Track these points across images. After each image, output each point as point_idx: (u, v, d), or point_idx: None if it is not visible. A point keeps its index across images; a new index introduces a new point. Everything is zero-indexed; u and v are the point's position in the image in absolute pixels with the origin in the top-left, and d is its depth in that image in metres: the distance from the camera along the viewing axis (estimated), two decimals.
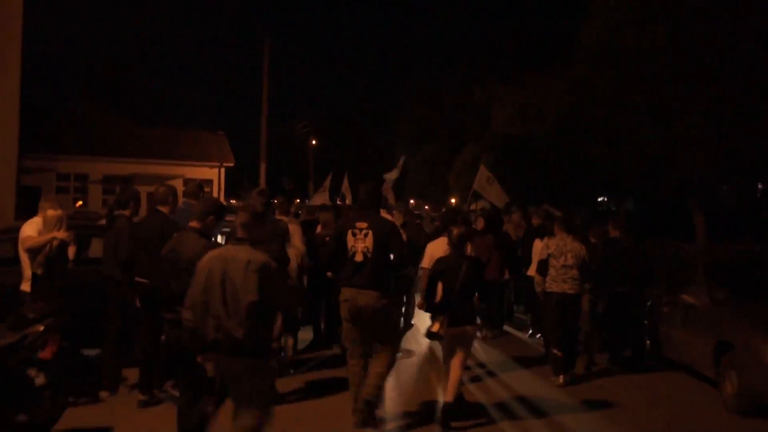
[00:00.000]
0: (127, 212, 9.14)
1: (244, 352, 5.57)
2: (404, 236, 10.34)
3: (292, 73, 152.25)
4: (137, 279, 8.53)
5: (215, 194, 43.31)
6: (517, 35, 47.19)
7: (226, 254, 5.76)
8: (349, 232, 7.83)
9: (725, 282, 10.81)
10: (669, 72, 21.85)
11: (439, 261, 8.71)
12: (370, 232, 7.73)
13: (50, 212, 8.92)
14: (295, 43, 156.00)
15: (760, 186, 32.97)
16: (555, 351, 10.50)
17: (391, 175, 23.75)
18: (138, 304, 8.66)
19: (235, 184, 56.35)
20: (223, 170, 45.28)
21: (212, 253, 5.90)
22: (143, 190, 38.00)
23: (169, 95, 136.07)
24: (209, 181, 43.42)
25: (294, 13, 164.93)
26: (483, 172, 21.38)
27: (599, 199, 45.26)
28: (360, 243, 7.73)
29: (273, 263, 5.80)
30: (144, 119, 51.94)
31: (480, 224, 13.89)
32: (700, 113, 21.73)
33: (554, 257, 10.46)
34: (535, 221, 14.47)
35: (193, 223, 6.91)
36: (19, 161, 34.95)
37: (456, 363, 8.30)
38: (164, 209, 8.70)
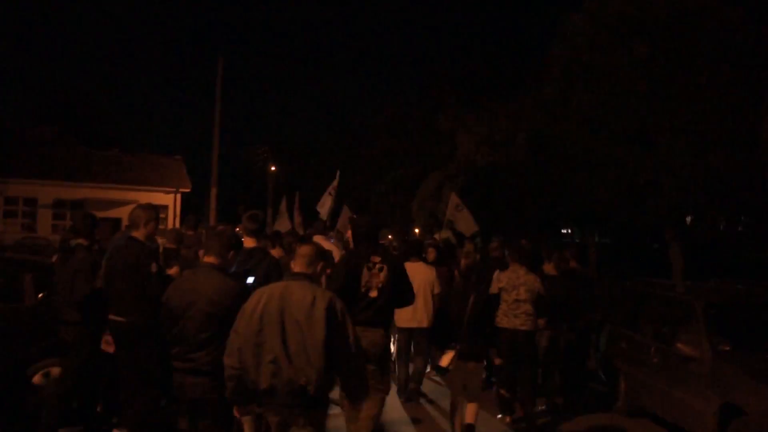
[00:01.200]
0: (84, 241, 8.22)
1: (306, 401, 5.02)
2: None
3: (251, 99, 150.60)
4: (112, 317, 7.40)
5: (170, 221, 41.63)
6: (484, 61, 46.23)
7: (284, 291, 5.20)
8: (365, 267, 7.25)
9: (728, 330, 9.33)
10: (648, 90, 19.86)
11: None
12: (385, 266, 7.25)
13: None
14: (255, 67, 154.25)
15: (742, 218, 31.03)
16: (502, 391, 10.13)
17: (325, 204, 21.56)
18: (112, 349, 7.53)
19: (191, 209, 54.11)
20: (179, 196, 43.27)
21: (265, 291, 5.28)
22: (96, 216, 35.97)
23: (126, 119, 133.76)
24: (165, 207, 41.80)
25: (254, 36, 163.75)
26: (453, 200, 20.60)
27: (563, 231, 43.95)
28: (375, 278, 7.22)
29: (340, 301, 5.23)
30: (98, 143, 49.67)
31: (430, 255, 12.68)
32: (681, 135, 19.75)
33: (506, 291, 9.91)
34: (495, 253, 13.21)
35: (210, 259, 6.07)
36: None
37: (471, 408, 8.26)
38: (138, 234, 7.57)
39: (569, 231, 49.54)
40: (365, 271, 7.25)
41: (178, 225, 42.11)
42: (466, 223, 20.09)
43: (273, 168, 57.46)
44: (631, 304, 12.08)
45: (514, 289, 9.86)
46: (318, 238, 11.62)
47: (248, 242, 7.74)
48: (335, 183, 21.41)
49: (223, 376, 5.27)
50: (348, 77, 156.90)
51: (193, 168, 44.87)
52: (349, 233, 8.40)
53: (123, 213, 41.27)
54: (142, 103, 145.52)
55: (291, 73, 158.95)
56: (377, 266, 7.26)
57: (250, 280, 7.34)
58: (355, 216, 15.20)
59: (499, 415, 10.17)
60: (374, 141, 54.77)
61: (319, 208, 21.10)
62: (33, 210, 40.52)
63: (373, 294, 7.18)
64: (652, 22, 20.26)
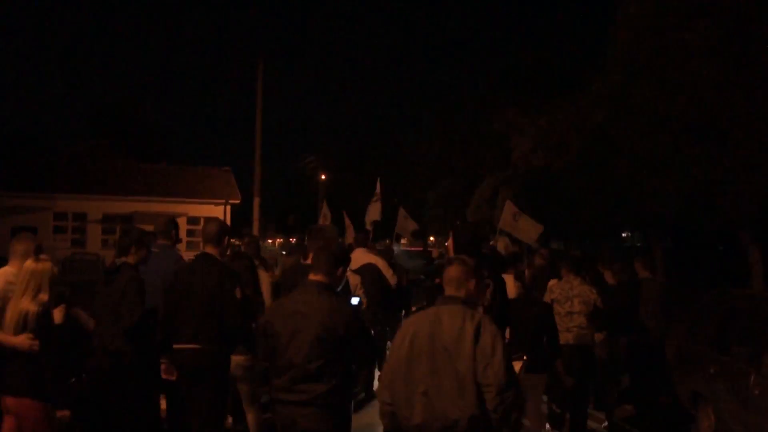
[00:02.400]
0: (130, 258, 7.16)
1: None
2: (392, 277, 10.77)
3: (302, 108, 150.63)
4: (182, 345, 6.58)
5: None
6: (537, 61, 43.44)
7: (435, 317, 4.73)
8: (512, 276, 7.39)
9: None
10: (721, 76, 17.35)
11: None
12: (491, 282, 6.50)
13: (29, 264, 6.04)
14: (306, 76, 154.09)
15: None
16: (552, 405, 9.58)
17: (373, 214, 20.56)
18: (174, 377, 6.76)
19: (242, 220, 53.23)
20: (228, 207, 42.24)
21: (417, 317, 4.92)
22: (145, 229, 35.17)
23: (177, 133, 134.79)
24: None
25: (305, 46, 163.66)
26: (509, 208, 18.58)
27: (623, 235, 42.06)
28: (481, 297, 6.15)
29: (493, 325, 4.66)
30: (147, 157, 49.05)
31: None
32: (758, 127, 17.21)
33: (558, 302, 9.26)
34: (538, 261, 12.06)
35: (318, 277, 5.50)
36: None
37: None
38: (214, 252, 6.84)
39: (629, 234, 47.73)
40: (511, 281, 6.97)
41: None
42: (527, 231, 18.52)
43: (323, 177, 55.68)
44: (716, 319, 10.03)
45: (568, 300, 9.24)
46: (359, 251, 10.82)
47: (310, 258, 7.03)
48: (377, 190, 20.23)
49: (341, 409, 5.26)
50: (397, 81, 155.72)
51: (244, 179, 43.73)
52: (449, 242, 7.25)
53: None
54: (191, 116, 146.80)
55: (339, 80, 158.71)
56: (485, 281, 6.25)
57: (355, 301, 7.07)
58: (458, 224, 13.99)
59: (547, 426, 9.30)
60: (426, 146, 53.46)
61: (368, 221, 19.96)
62: (82, 225, 40.15)
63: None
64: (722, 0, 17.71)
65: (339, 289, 5.93)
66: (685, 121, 18.49)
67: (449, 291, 4.96)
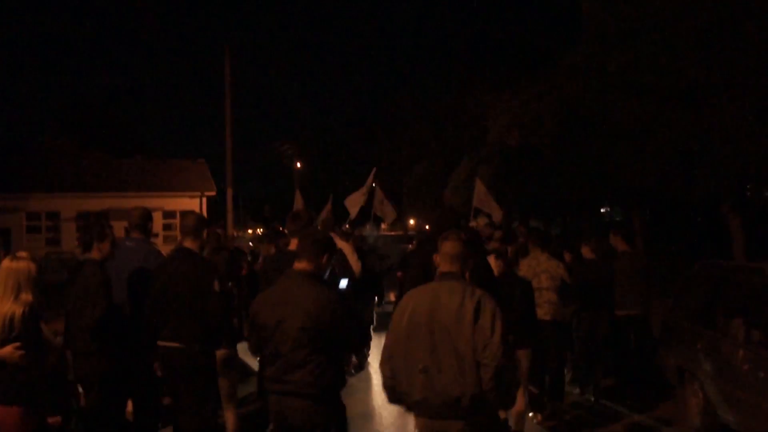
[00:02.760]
0: (95, 254, 6.94)
1: (463, 411, 4.55)
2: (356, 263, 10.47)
3: (272, 93, 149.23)
4: (165, 343, 6.51)
5: None
6: (507, 38, 43.40)
7: (433, 294, 4.79)
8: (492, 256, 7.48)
9: None
10: (696, 41, 16.78)
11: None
12: None
13: (5, 263, 5.72)
14: (281, 62, 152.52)
15: None
16: (530, 387, 9.09)
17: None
18: (159, 373, 6.80)
19: (218, 212, 52.52)
20: (204, 199, 41.81)
21: (414, 294, 4.93)
22: (120, 226, 34.62)
23: (151, 126, 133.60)
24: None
25: (277, 32, 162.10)
26: (479, 187, 19.29)
27: (602, 210, 41.71)
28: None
29: (492, 300, 4.69)
30: (120, 152, 47.99)
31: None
32: (737, 93, 16.68)
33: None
34: (519, 239, 11.88)
35: (302, 264, 5.35)
36: None
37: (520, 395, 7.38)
38: (193, 246, 6.84)
39: (608, 209, 47.49)
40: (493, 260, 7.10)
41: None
42: (496, 208, 19.00)
43: (299, 165, 54.85)
44: (702, 292, 9.51)
45: (535, 276, 9.22)
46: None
47: (292, 244, 6.94)
48: (370, 181, 19.92)
49: (332, 398, 5.21)
50: (372, 64, 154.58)
51: (219, 170, 43.26)
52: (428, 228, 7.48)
53: None
54: (163, 109, 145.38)
55: (311, 65, 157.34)
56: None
57: (344, 283, 6.98)
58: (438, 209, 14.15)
59: (530, 413, 9.16)
60: (402, 130, 52.78)
61: (348, 206, 19.68)
62: (56, 224, 39.58)
63: None
64: None
65: (326, 277, 5.83)
66: (662, 90, 17.89)
67: (445, 267, 4.95)
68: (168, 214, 40.37)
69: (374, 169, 20.59)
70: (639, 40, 17.94)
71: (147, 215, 7.81)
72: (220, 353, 7.14)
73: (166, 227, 40.34)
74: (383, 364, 4.88)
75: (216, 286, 6.53)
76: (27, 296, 5.49)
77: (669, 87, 17.73)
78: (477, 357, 4.51)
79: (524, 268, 9.42)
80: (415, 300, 4.87)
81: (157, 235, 39.93)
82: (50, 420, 6.34)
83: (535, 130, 27.96)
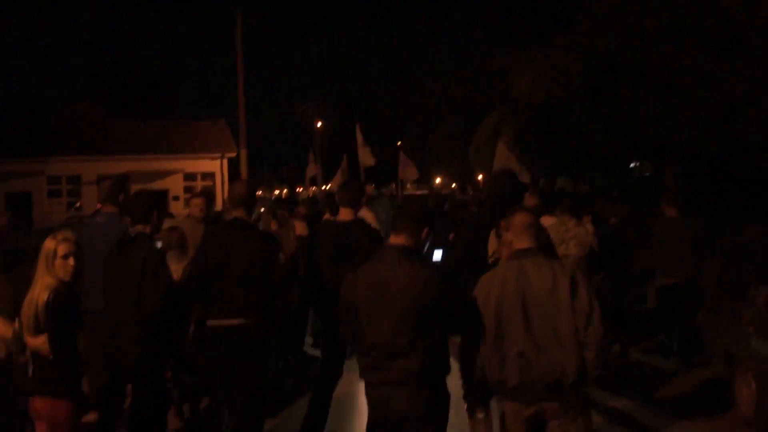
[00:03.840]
0: (145, 227, 6.07)
1: (565, 393, 4.44)
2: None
3: (294, 51, 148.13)
4: (217, 322, 5.79)
5: (218, 188, 38.85)
6: None
7: (519, 273, 4.54)
8: (493, 232, 6.18)
9: None
10: None
11: None
12: None
13: (47, 243, 5.10)
14: (305, 17, 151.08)
15: None
16: None
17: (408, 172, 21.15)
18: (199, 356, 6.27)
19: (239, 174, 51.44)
20: (225, 161, 40.63)
21: (496, 274, 4.70)
22: (140, 189, 34.00)
23: (175, 87, 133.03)
24: (211, 174, 40.25)
25: None
26: (502, 150, 17.76)
27: (631, 165, 40.69)
28: (505, 248, 5.55)
29: (581, 274, 4.66)
30: (145, 115, 47.10)
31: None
32: None
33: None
34: (533, 202, 10.03)
35: (399, 239, 4.78)
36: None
37: None
38: (244, 216, 6.11)
39: (637, 164, 46.10)
40: (493, 237, 6.28)
41: (226, 192, 39.94)
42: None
43: (319, 124, 53.30)
44: (756, 265, 8.01)
45: (563, 243, 8.38)
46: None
47: (345, 214, 6.75)
48: (358, 137, 19.61)
49: (437, 386, 4.69)
50: (401, 20, 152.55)
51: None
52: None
53: (169, 184, 39.38)
54: (188, 70, 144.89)
55: (335, 25, 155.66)
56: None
57: (437, 256, 6.80)
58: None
59: None
60: (427, 86, 51.12)
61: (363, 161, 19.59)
62: (77, 188, 39.13)
63: None
64: None
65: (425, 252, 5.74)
66: (701, 35, 16.21)
67: (522, 243, 4.69)
68: (188, 176, 39.60)
69: (357, 125, 20.24)
70: None
71: (118, 185, 7.08)
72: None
73: (187, 189, 39.57)
74: (472, 355, 4.75)
75: (282, 257, 6.19)
76: (49, 280, 4.93)
77: (708, 31, 16.08)
78: (578, 336, 4.36)
79: (552, 234, 8.36)
80: (500, 281, 4.60)
81: (178, 198, 39.18)
82: (85, 418, 5.60)
83: (561, 84, 26.67)
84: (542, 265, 4.55)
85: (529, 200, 10.75)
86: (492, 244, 6.50)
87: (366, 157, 19.83)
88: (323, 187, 35.74)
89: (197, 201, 8.75)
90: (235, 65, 27.05)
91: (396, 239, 4.86)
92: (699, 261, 9.60)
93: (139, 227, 6.10)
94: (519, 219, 4.77)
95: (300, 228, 9.66)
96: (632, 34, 18.17)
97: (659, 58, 17.17)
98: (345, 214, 6.74)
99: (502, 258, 6.34)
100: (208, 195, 9.91)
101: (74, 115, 40.99)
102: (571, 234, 8.62)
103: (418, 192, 46.40)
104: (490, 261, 6.14)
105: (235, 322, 5.80)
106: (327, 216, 10.16)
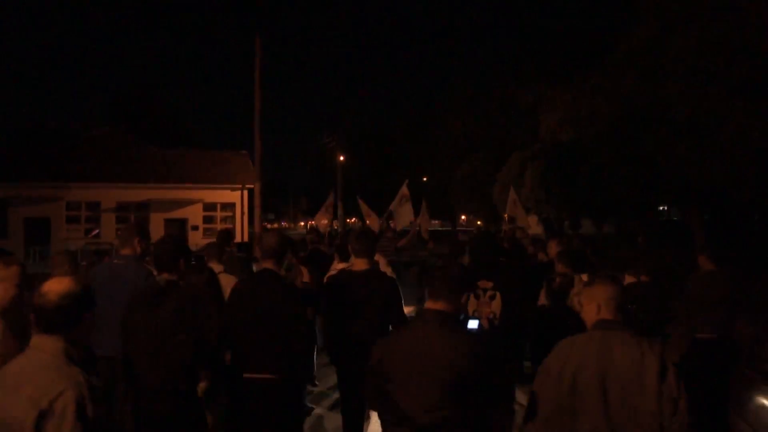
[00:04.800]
0: (173, 275, 5.51)
1: None
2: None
3: (319, 85, 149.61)
4: (249, 375, 5.54)
5: (238, 219, 38.26)
6: (564, 31, 40.95)
7: (601, 347, 4.13)
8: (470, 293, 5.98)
9: None
10: None
11: None
12: (498, 294, 6.32)
13: None
14: (329, 52, 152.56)
15: None
16: None
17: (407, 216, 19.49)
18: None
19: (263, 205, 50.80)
20: (246, 192, 39.68)
21: (574, 344, 4.22)
22: (159, 218, 33.20)
23: (198, 118, 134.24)
24: (232, 205, 39.41)
25: (320, 21, 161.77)
26: (512, 195, 18.49)
27: (660, 208, 39.68)
28: (484, 307, 6.20)
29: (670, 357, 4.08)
30: (168, 142, 46.37)
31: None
32: None
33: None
34: (553, 250, 9.92)
35: (438, 305, 4.34)
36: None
37: None
38: (276, 267, 5.88)
39: (665, 208, 45.12)
40: (471, 298, 6.07)
41: (246, 223, 39.31)
42: (525, 218, 18.17)
43: (342, 158, 52.50)
44: None
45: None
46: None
47: (360, 264, 6.47)
48: (405, 192, 18.82)
49: None
50: (424, 56, 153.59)
51: (266, 162, 41.57)
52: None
53: (188, 213, 38.81)
54: (211, 101, 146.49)
55: (363, 57, 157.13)
56: (488, 293, 6.34)
57: (473, 324, 5.87)
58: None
59: None
60: (452, 122, 50.52)
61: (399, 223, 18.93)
62: (96, 214, 38.22)
63: (484, 325, 6.35)
64: None
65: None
66: (731, 76, 15.09)
67: (607, 314, 4.33)
68: (208, 206, 39.07)
69: (406, 181, 19.36)
70: (705, 18, 15.15)
71: (137, 229, 6.56)
72: (202, 385, 5.90)
73: (207, 219, 39.05)
74: (538, 427, 4.27)
75: (309, 312, 6.04)
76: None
77: (739, 72, 14.95)
78: (662, 421, 3.99)
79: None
80: (579, 351, 4.23)
81: (197, 228, 38.58)
82: None
83: (588, 126, 25.79)
84: (629, 342, 4.15)
85: (552, 248, 10.10)
86: (471, 304, 6.26)
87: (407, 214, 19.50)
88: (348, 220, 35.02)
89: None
90: (253, 99, 26.42)
91: (434, 305, 4.39)
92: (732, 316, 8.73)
93: (166, 275, 5.68)
94: (605, 289, 4.38)
95: (305, 274, 8.97)
96: (659, 76, 17.08)
97: (685, 99, 16.05)
98: (360, 264, 6.47)
99: (483, 318, 6.20)
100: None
101: (96, 141, 40.39)
102: (576, 290, 7.86)
103: (441, 228, 45.78)
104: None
105: (265, 376, 5.59)
106: (336, 263, 9.68)
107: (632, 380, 4.06)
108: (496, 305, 6.24)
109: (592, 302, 4.41)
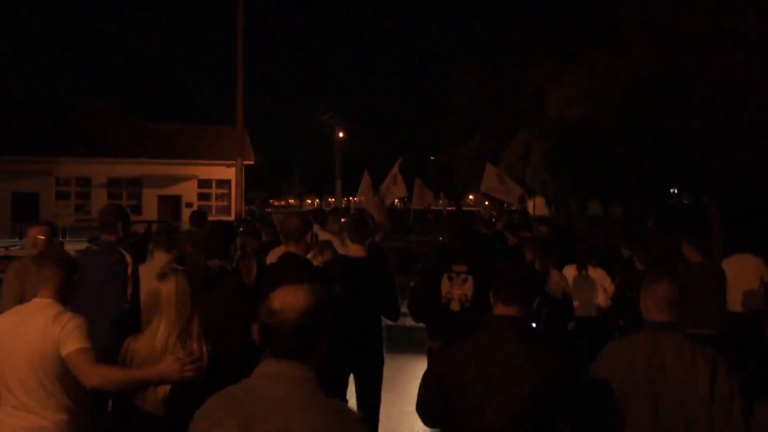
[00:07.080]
0: (225, 262, 5.88)
1: None
2: None
3: (322, 59, 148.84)
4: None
5: (233, 195, 36.99)
6: (572, 6, 39.25)
7: (653, 350, 3.95)
8: (445, 276, 6.41)
9: None
10: None
11: None
12: (470, 277, 6.33)
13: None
14: (333, 24, 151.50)
15: None
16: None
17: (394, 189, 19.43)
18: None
19: (256, 182, 49.33)
20: (243, 169, 37.77)
21: (622, 345, 4.16)
22: (152, 194, 32.12)
23: (196, 92, 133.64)
24: (227, 181, 38.16)
25: None
26: (491, 171, 18.85)
27: (671, 191, 38.20)
28: (457, 290, 6.37)
29: (723, 362, 3.92)
30: (161, 118, 44.68)
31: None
32: None
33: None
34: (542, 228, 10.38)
35: (511, 310, 4.07)
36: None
37: None
38: (298, 250, 5.96)
39: (676, 191, 43.92)
40: (445, 280, 6.37)
41: (240, 201, 38.03)
42: (513, 191, 18.25)
43: (341, 135, 51.18)
44: None
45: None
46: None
47: (356, 251, 6.49)
48: (396, 171, 18.75)
49: None
50: (431, 34, 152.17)
51: (260, 137, 40.49)
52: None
53: (182, 190, 37.46)
54: (208, 75, 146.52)
55: (366, 33, 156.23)
56: (461, 276, 6.35)
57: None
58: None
59: None
60: (457, 101, 49.62)
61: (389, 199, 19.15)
62: (87, 190, 37.43)
63: (455, 307, 6.36)
64: None
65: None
66: (758, 42, 13.40)
67: (661, 315, 4.07)
68: (202, 183, 37.75)
69: (399, 159, 19.42)
70: None
71: (117, 213, 6.42)
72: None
73: (201, 197, 37.71)
74: None
75: (338, 290, 6.00)
76: None
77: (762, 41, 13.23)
78: (714, 428, 3.75)
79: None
80: (629, 354, 3.99)
81: (191, 205, 37.24)
82: None
83: (599, 103, 24.21)
84: (681, 346, 3.98)
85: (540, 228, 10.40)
86: (445, 285, 6.33)
87: (398, 191, 19.57)
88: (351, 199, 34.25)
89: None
90: (254, 73, 25.13)
91: (506, 310, 4.06)
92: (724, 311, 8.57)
93: (217, 261, 5.88)
94: (665, 290, 4.12)
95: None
96: (678, 39, 15.37)
97: (706, 69, 14.31)
98: (356, 251, 6.55)
99: (454, 300, 6.21)
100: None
101: (87, 115, 39.35)
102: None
103: (448, 208, 45.07)
104: (444, 301, 6.24)
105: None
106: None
107: (684, 387, 3.88)
108: (468, 288, 6.25)
109: (643, 300, 4.16)
